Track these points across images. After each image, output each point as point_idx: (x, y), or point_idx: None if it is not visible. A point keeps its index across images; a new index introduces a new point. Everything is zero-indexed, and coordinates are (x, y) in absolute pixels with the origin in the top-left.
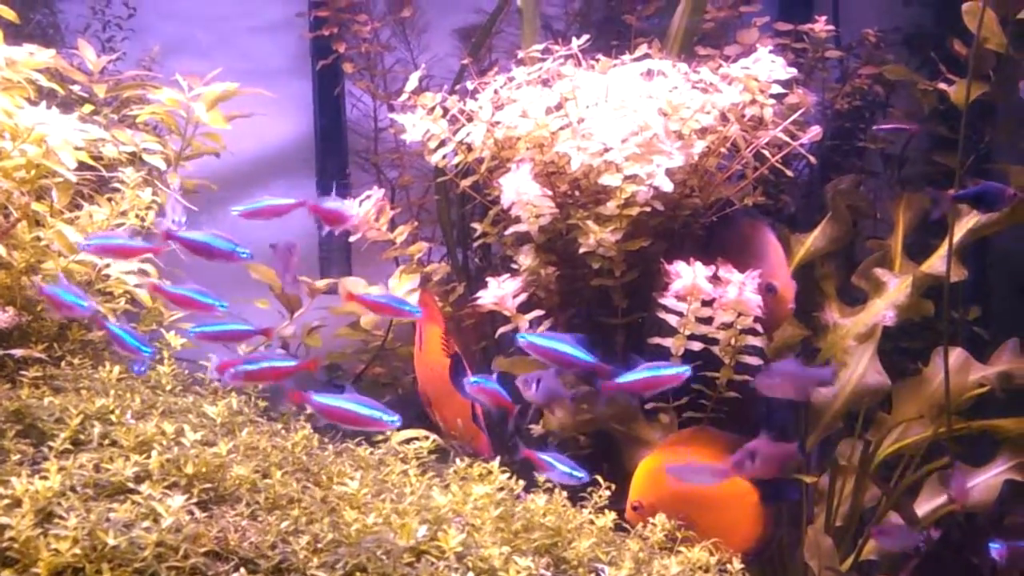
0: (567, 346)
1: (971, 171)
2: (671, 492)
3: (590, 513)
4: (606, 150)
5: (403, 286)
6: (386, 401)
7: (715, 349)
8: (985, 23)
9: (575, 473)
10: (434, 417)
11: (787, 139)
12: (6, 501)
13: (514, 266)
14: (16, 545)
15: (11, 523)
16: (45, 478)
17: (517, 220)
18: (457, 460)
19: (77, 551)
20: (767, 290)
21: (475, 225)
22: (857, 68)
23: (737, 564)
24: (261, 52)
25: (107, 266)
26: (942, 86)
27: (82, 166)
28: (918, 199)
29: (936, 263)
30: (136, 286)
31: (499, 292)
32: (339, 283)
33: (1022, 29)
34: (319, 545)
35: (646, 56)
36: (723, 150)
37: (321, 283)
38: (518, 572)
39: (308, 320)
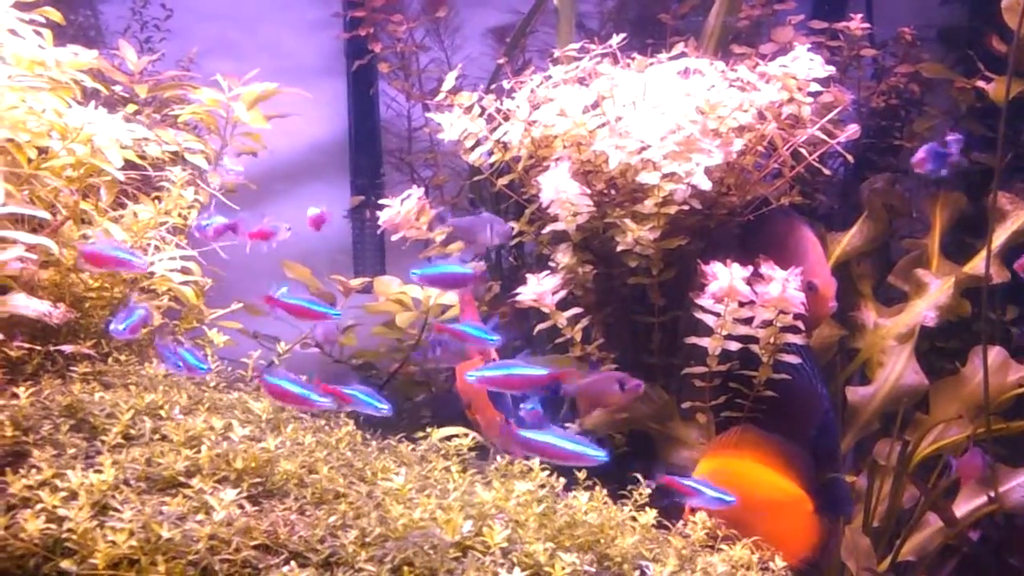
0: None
1: (1009, 170)
2: None
3: (631, 511)
4: (644, 148)
5: None
6: (420, 400)
7: (753, 348)
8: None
9: (725, 498)
10: (472, 417)
11: (824, 137)
12: (63, 493)
13: (551, 264)
14: (74, 536)
15: (69, 515)
16: (100, 471)
17: (554, 219)
18: (497, 457)
19: (133, 543)
20: (808, 288)
21: (512, 224)
22: (892, 66)
23: (779, 563)
24: (295, 53)
25: (152, 263)
26: (980, 83)
27: (127, 165)
28: (955, 198)
29: (979, 264)
30: (181, 284)
31: (538, 289)
32: (373, 281)
33: None
34: (367, 539)
35: (682, 55)
36: (759, 148)
37: (355, 282)
38: (563, 568)
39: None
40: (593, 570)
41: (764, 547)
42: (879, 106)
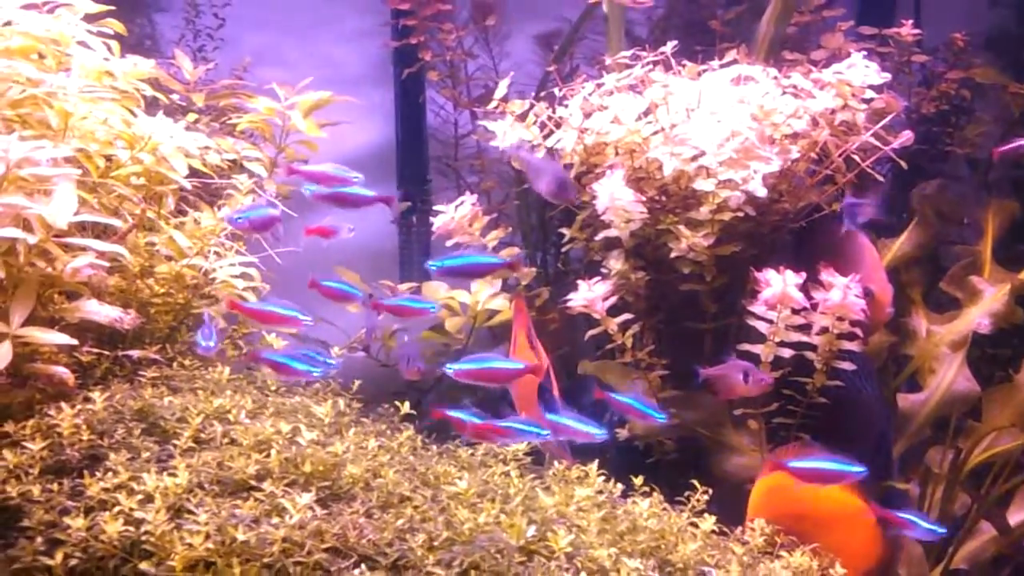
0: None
1: None
2: (788, 512)
3: (689, 517)
4: (699, 155)
5: (486, 290)
6: (464, 405)
7: (806, 354)
8: None
9: (937, 529)
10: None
11: (877, 143)
12: (139, 496)
13: (603, 270)
14: (152, 538)
15: (147, 517)
16: (174, 475)
17: (606, 225)
18: (555, 463)
19: (209, 545)
20: (865, 294)
21: (563, 231)
22: (943, 72)
23: (840, 569)
24: (344, 62)
25: (214, 270)
26: None
27: (189, 173)
28: (1007, 206)
29: None
30: (243, 289)
31: (589, 295)
32: (421, 286)
33: None
34: (434, 543)
35: (734, 62)
36: (812, 155)
37: (402, 287)
38: (628, 574)
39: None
40: (656, 575)
41: (823, 554)
42: (929, 112)
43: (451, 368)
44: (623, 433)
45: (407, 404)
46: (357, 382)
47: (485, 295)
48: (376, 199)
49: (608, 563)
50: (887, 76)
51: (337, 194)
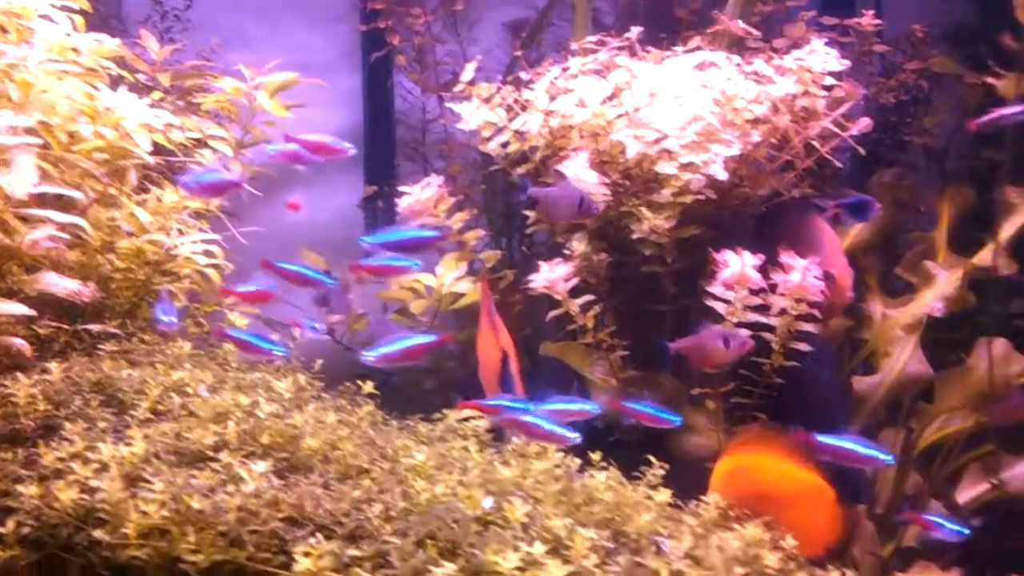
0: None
1: (1017, 165)
2: (749, 492)
3: (645, 491)
4: (662, 138)
5: (451, 272)
6: (429, 386)
7: (764, 335)
8: None
9: (963, 530)
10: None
11: (836, 130)
12: (95, 465)
13: (565, 252)
14: (107, 507)
15: (102, 486)
16: (130, 445)
17: None
18: (513, 439)
19: (164, 513)
20: (826, 278)
21: (527, 212)
22: (902, 62)
23: (791, 541)
24: (313, 45)
25: (176, 246)
26: (990, 80)
27: (153, 150)
28: (963, 193)
29: (986, 256)
30: (205, 266)
31: (551, 276)
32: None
33: None
34: (391, 513)
35: (698, 48)
36: (773, 140)
37: (368, 271)
38: (583, 543)
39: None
40: (611, 545)
41: (776, 527)
42: (888, 102)
43: (368, 356)
44: None
45: (370, 384)
46: (319, 361)
47: (450, 278)
48: (330, 148)
49: (563, 533)
50: (846, 63)
51: (298, 152)
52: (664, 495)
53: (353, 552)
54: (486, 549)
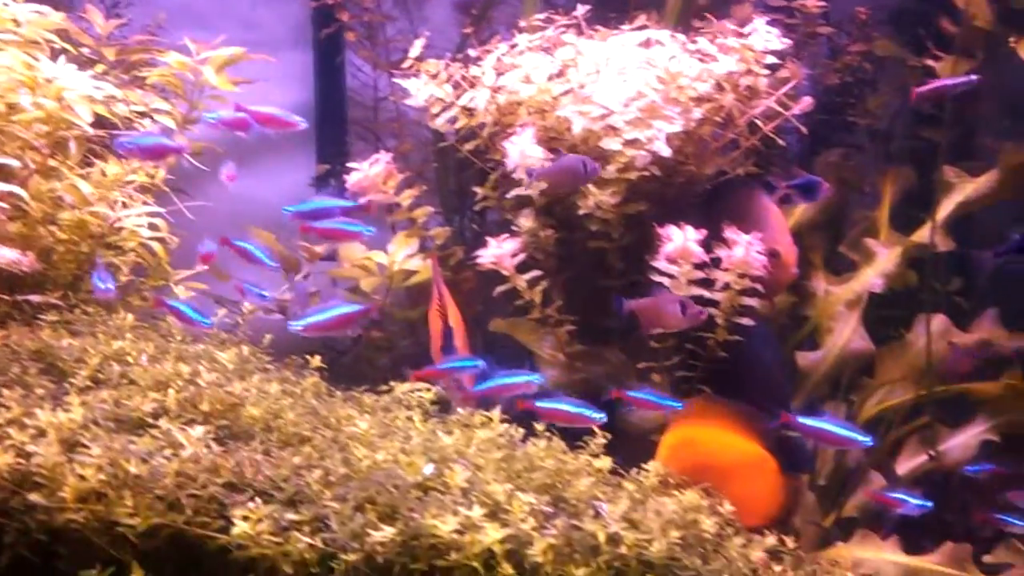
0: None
1: (956, 147)
2: (693, 464)
3: (587, 459)
4: (607, 115)
5: (403, 250)
6: (382, 364)
7: (708, 309)
8: (973, 1)
9: (927, 504)
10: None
11: (780, 109)
12: (32, 431)
13: (513, 228)
14: (44, 471)
15: (39, 451)
16: (68, 411)
17: (519, 184)
18: (459, 410)
19: (102, 477)
20: (771, 255)
21: (476, 189)
22: (847, 45)
23: (728, 507)
24: (264, 23)
25: (120, 219)
26: (930, 62)
27: (96, 124)
28: (904, 173)
29: (925, 233)
30: (149, 239)
31: (498, 251)
32: (339, 248)
33: (1007, 8)
34: (331, 479)
35: (644, 27)
36: (717, 119)
37: (320, 248)
38: (521, 507)
39: (307, 285)
40: (550, 510)
41: (714, 494)
42: (833, 83)
43: (295, 325)
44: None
45: (317, 358)
46: (268, 337)
47: (402, 255)
48: (279, 121)
49: (502, 497)
50: (787, 42)
51: (241, 119)
52: (605, 462)
53: (292, 516)
54: (425, 513)
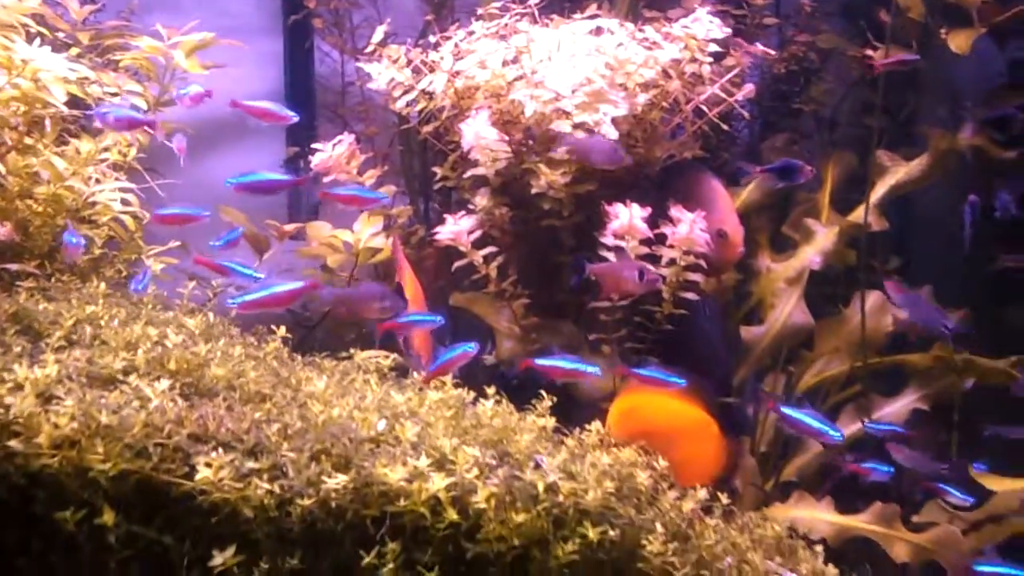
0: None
1: (896, 134)
2: (641, 430)
3: (533, 420)
4: (557, 99)
5: (368, 229)
6: (351, 339)
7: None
8: None
9: (890, 469)
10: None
11: (723, 95)
12: (9, 385)
13: (471, 207)
14: (21, 420)
15: (15, 402)
16: (44, 367)
17: (475, 164)
18: (414, 374)
19: (74, 426)
20: (718, 235)
21: (436, 169)
22: (793, 35)
23: (663, 462)
24: (234, 9)
25: (93, 194)
26: (868, 53)
27: (70, 104)
28: (846, 157)
29: (861, 214)
30: (122, 213)
31: (455, 228)
32: (307, 226)
33: (940, 2)
34: (289, 432)
35: (595, 15)
36: (664, 104)
37: (289, 227)
38: (466, 459)
39: (277, 262)
40: (494, 462)
41: (651, 452)
42: (780, 72)
43: (233, 302)
44: (490, 359)
45: (283, 328)
46: (234, 311)
47: (367, 234)
48: (273, 115)
49: (449, 450)
50: (728, 31)
51: (206, 92)
52: (549, 422)
53: (252, 464)
54: (376, 463)
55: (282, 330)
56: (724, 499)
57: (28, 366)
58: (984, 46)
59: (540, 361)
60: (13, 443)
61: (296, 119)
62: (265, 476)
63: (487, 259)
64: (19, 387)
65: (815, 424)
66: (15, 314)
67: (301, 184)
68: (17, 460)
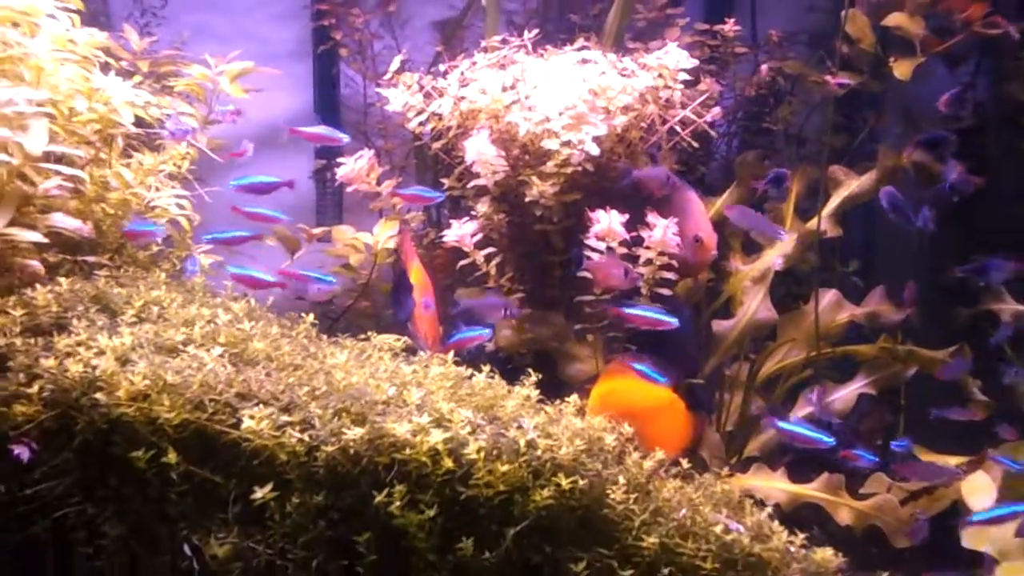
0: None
1: (857, 151)
2: (618, 408)
3: (519, 391)
4: (546, 120)
5: (385, 232)
6: (369, 330)
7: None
8: (859, 26)
9: (875, 457)
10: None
11: (694, 117)
12: (95, 350)
13: (473, 213)
14: (104, 378)
15: (100, 364)
16: (120, 337)
17: (477, 176)
18: (420, 354)
19: (146, 383)
20: (694, 240)
21: (444, 180)
22: (762, 62)
23: (628, 428)
24: (271, 39)
25: (153, 199)
26: (829, 79)
27: (135, 123)
28: (810, 171)
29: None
30: (178, 216)
31: (460, 231)
32: (332, 230)
33: (888, 33)
34: (316, 394)
35: (584, 47)
36: (643, 125)
37: (317, 230)
38: (461, 419)
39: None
40: (484, 423)
41: (620, 422)
42: (752, 95)
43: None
44: (491, 345)
45: (311, 316)
46: (271, 299)
47: (385, 236)
48: (327, 138)
49: (447, 411)
50: (695, 61)
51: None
52: (534, 393)
53: (286, 418)
54: (387, 420)
55: (310, 316)
56: (685, 463)
57: (108, 336)
58: (940, 71)
59: (627, 310)
60: (98, 395)
61: (346, 140)
62: (297, 428)
63: (487, 259)
64: (102, 352)
65: (809, 434)
66: (96, 296)
67: (290, 187)
68: (101, 409)
